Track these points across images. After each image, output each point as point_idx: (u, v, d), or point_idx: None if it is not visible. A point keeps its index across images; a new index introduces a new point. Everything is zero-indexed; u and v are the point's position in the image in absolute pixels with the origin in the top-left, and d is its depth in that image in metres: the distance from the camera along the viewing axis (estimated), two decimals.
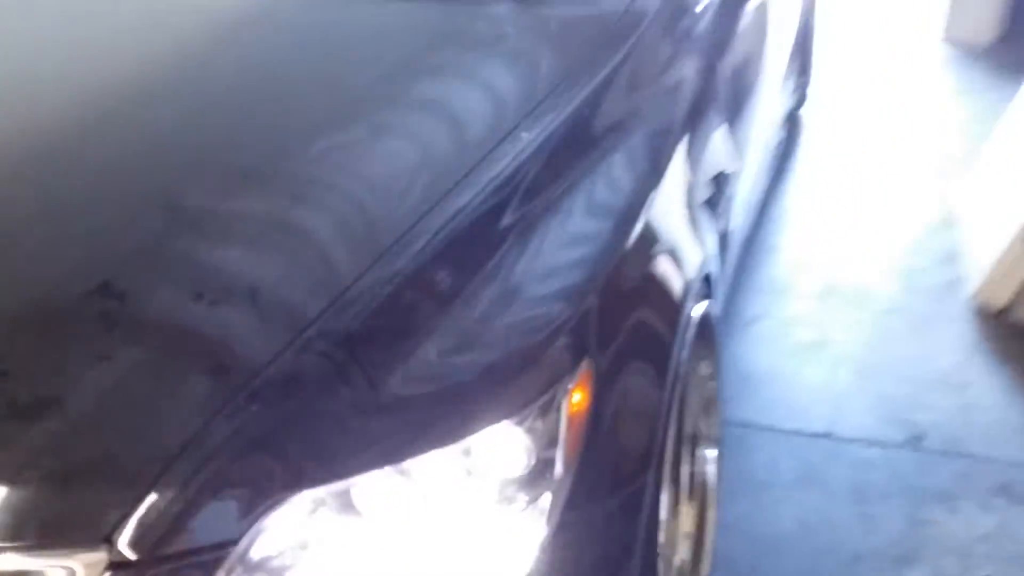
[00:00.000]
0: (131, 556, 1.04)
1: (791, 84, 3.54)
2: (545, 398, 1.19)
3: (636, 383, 1.36)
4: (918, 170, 3.61)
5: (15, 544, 1.06)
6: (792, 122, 3.84)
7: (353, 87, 1.67)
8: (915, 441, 2.31)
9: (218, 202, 1.41)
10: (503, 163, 1.42)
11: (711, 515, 1.86)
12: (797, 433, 2.34)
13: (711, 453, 1.89)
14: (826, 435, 2.33)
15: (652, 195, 1.53)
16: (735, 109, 2.07)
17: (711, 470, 1.88)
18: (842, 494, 2.16)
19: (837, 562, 1.98)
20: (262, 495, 1.08)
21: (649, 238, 1.48)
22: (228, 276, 1.29)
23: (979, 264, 2.82)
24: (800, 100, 3.93)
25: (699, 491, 1.84)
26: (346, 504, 1.12)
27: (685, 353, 1.49)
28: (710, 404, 1.87)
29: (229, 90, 1.70)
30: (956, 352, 2.63)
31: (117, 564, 1.04)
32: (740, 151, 2.09)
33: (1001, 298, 2.72)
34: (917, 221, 3.27)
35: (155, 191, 1.44)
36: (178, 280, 1.27)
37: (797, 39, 3.36)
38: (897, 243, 3.15)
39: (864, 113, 4.09)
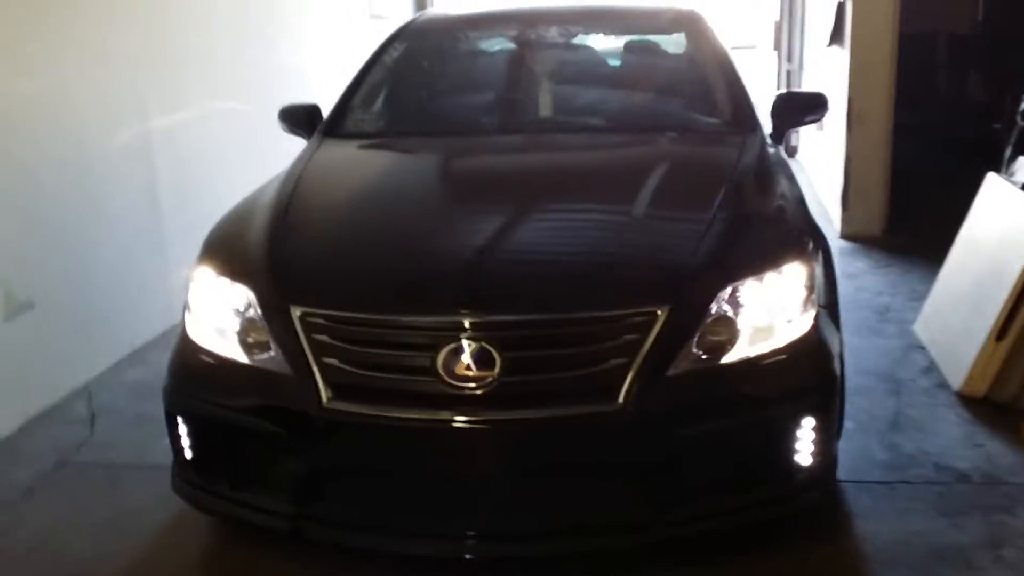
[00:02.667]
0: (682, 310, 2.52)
1: None
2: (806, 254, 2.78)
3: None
4: (866, 320, 4.65)
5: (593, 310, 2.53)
6: None
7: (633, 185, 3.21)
8: (963, 477, 3.16)
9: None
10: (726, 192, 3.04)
11: None
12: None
13: None
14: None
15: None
16: None
17: None
18: None
19: None
20: (724, 280, 2.58)
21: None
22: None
23: (957, 367, 3.79)
24: None
25: None
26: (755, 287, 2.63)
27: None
28: None
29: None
30: (961, 424, 3.54)
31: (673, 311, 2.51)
32: None
33: (981, 388, 3.69)
34: (888, 349, 4.26)
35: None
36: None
37: None
38: (881, 364, 4.11)
39: None
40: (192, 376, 2.81)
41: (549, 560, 2.71)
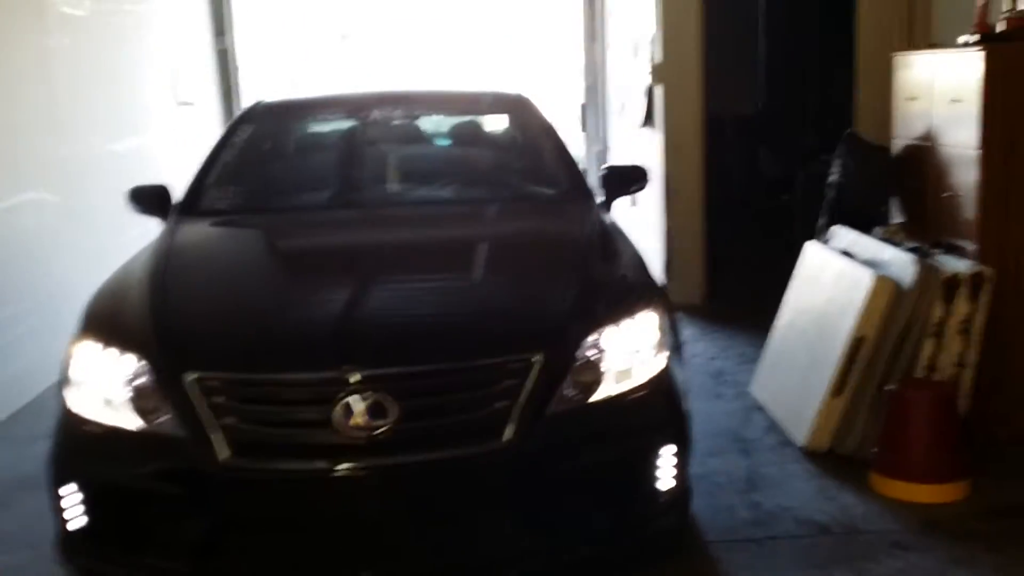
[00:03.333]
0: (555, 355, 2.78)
1: None
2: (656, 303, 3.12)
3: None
4: (703, 384, 4.86)
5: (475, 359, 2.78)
6: None
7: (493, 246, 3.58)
8: (824, 529, 3.32)
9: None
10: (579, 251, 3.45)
11: None
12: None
13: None
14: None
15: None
16: None
17: None
18: None
19: None
20: (588, 328, 2.87)
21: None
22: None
23: (799, 424, 4.01)
24: None
25: None
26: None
27: None
28: None
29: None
30: (812, 479, 3.73)
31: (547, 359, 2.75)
32: None
33: (825, 442, 3.91)
34: (730, 411, 4.46)
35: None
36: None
37: None
38: (727, 425, 4.29)
39: None
40: (80, 447, 2.88)
41: None
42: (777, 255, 7.82)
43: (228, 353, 2.85)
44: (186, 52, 7.74)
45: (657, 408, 2.94)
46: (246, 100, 9.00)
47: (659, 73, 6.22)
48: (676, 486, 2.90)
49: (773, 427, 4.24)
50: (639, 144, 6.88)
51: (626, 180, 4.09)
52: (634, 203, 6.87)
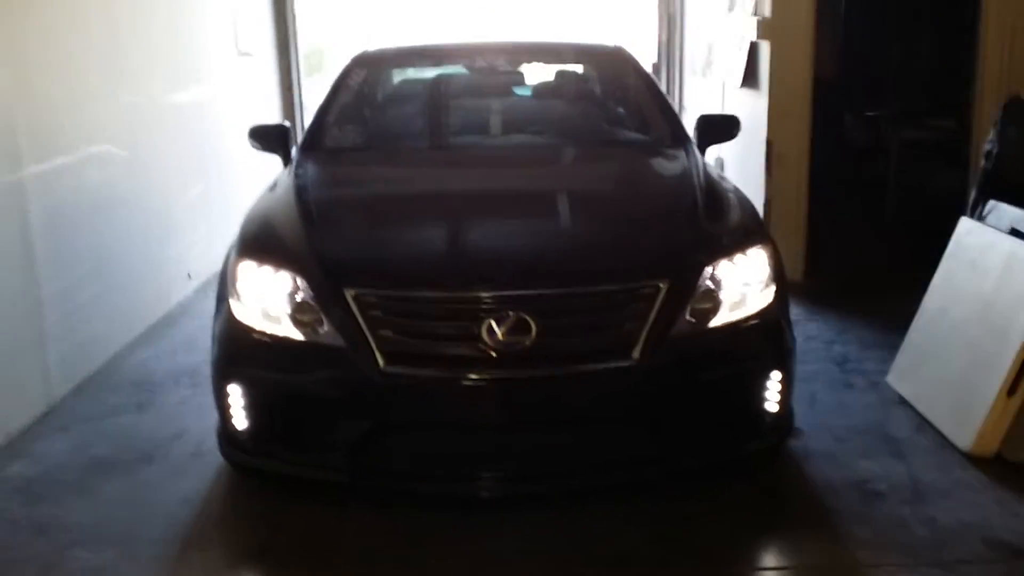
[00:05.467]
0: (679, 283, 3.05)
1: None
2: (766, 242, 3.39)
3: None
4: (829, 372, 4.43)
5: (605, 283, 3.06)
6: None
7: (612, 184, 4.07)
8: (1019, 552, 2.91)
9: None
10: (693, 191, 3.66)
11: None
12: None
13: None
14: None
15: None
16: None
17: None
18: None
19: None
20: (707, 261, 3.14)
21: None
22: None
23: (961, 425, 3.58)
24: None
25: None
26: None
27: None
28: None
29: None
30: (986, 489, 3.31)
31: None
32: None
33: (993, 447, 3.48)
34: (867, 405, 4.04)
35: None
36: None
37: None
38: (867, 420, 3.87)
39: None
40: (245, 353, 3.16)
41: (571, 496, 3.22)
42: (870, 229, 7.46)
43: (385, 273, 3.12)
44: (245, 1, 7.30)
45: (766, 337, 3.24)
46: (303, 50, 8.58)
47: (767, 29, 5.72)
48: (779, 410, 3.23)
49: (923, 426, 3.81)
50: (732, 106, 6.40)
51: (719, 129, 4.39)
52: (722, 169, 6.44)
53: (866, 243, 7.03)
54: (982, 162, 4.24)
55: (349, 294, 2.97)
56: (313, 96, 9.09)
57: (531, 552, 3.02)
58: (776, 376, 3.19)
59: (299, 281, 3.07)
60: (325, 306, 3.00)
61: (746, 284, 3.19)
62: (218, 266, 6.43)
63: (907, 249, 6.72)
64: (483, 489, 3.10)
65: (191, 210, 5.98)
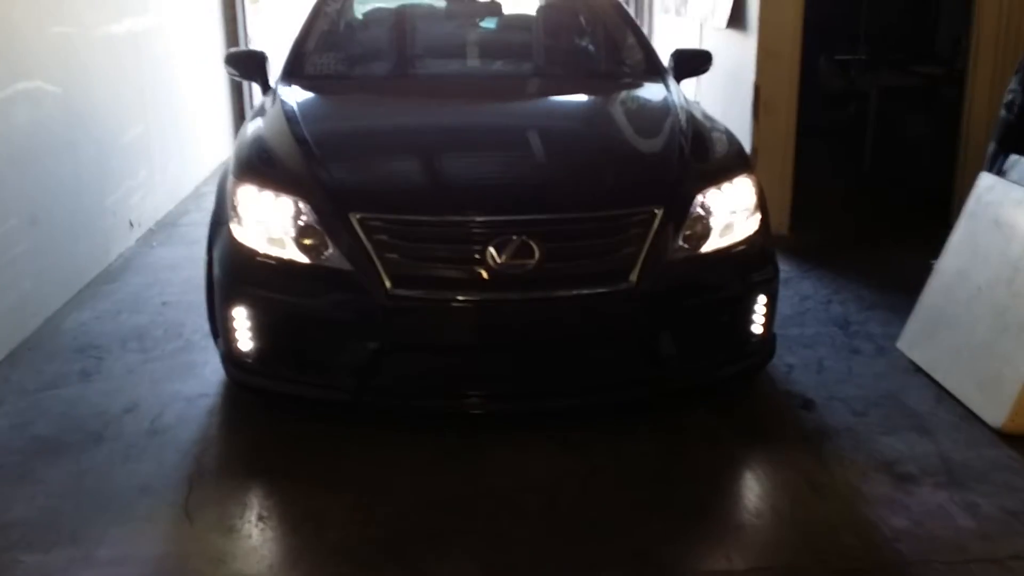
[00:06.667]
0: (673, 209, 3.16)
1: None
2: (751, 171, 3.49)
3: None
4: (832, 336, 4.17)
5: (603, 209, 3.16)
6: None
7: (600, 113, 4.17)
8: None
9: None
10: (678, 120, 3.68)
11: None
12: None
13: None
14: None
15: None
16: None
17: None
18: None
19: None
20: (697, 188, 3.24)
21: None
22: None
23: (991, 399, 3.33)
24: None
25: None
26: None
27: None
28: None
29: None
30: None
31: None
32: None
33: None
34: (879, 373, 3.78)
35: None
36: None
37: None
38: (882, 390, 3.61)
39: None
40: (251, 276, 3.15)
41: (570, 413, 3.34)
42: (848, 179, 7.19)
43: (390, 197, 3.16)
44: None
45: (754, 263, 3.35)
46: None
47: None
48: (763, 333, 3.39)
49: (942, 397, 3.56)
50: (714, 48, 6.03)
51: (691, 63, 4.54)
52: None
53: (841, 192, 6.79)
54: (1001, 112, 3.95)
55: (355, 218, 3.00)
56: (256, 27, 8.49)
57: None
58: (762, 300, 3.34)
59: (302, 205, 3.08)
60: (330, 230, 3.03)
61: (733, 212, 3.30)
62: (162, 213, 6.00)
63: (886, 200, 6.50)
64: (488, 407, 3.19)
65: (131, 152, 5.46)
